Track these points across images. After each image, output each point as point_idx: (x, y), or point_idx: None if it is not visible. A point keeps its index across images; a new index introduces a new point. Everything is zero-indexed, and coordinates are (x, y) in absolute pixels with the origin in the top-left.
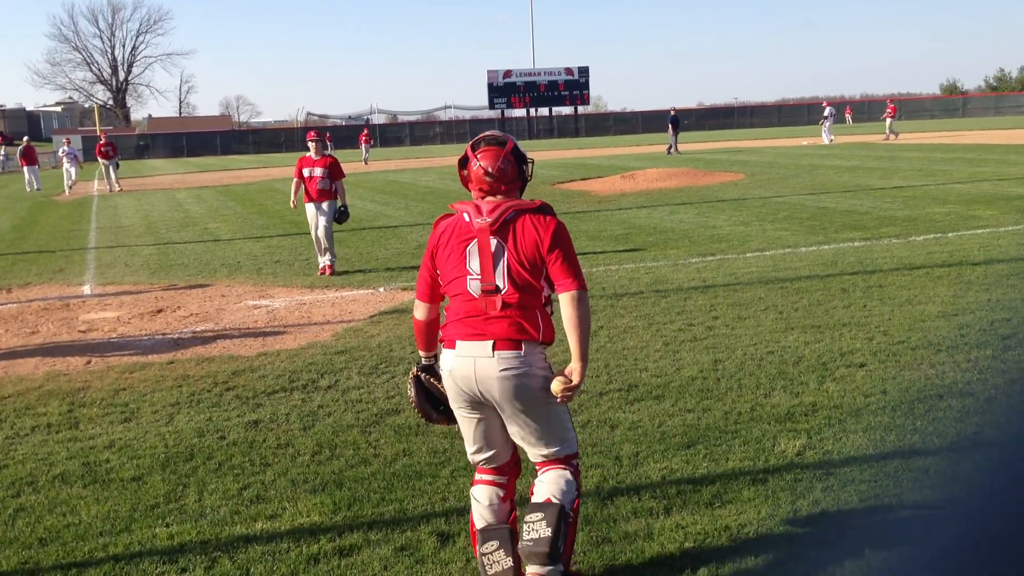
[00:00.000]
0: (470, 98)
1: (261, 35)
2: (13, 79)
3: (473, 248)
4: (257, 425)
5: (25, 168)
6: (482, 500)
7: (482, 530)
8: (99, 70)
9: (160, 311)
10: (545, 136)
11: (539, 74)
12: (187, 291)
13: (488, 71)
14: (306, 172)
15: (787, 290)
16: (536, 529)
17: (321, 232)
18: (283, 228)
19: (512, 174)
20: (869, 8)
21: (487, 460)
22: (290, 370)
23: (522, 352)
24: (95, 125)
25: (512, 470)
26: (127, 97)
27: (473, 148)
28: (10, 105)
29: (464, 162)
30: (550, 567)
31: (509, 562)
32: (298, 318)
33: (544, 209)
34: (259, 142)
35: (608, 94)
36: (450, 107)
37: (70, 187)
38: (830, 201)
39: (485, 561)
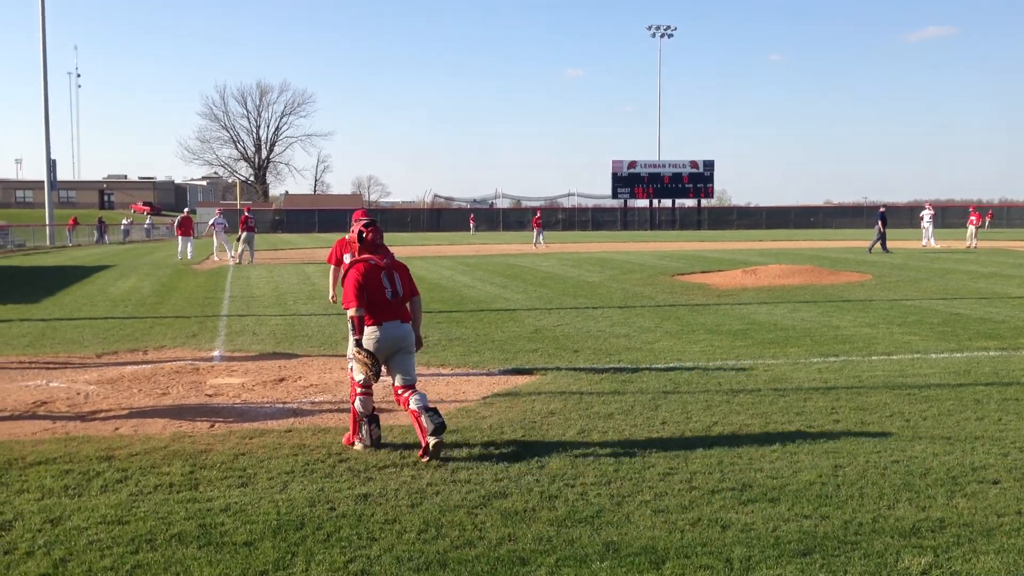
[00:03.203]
0: (593, 186)
1: (395, 119)
2: (165, 153)
3: (383, 276)
4: (367, 499)
5: (180, 238)
6: (367, 403)
7: (368, 416)
8: (244, 148)
9: (282, 380)
10: (667, 227)
11: (664, 166)
12: (308, 361)
13: (613, 161)
14: (348, 258)
15: (915, 397)
16: (435, 418)
17: None
18: None
19: (381, 240)
20: (1007, 112)
21: (367, 383)
22: (401, 446)
23: (409, 324)
24: (236, 199)
25: (373, 388)
26: (267, 174)
27: (365, 227)
28: (160, 178)
29: (360, 236)
30: (442, 434)
31: (379, 431)
32: None
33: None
34: (387, 221)
35: (732, 188)
36: (573, 195)
37: (229, 255)
38: (963, 307)
39: (372, 433)
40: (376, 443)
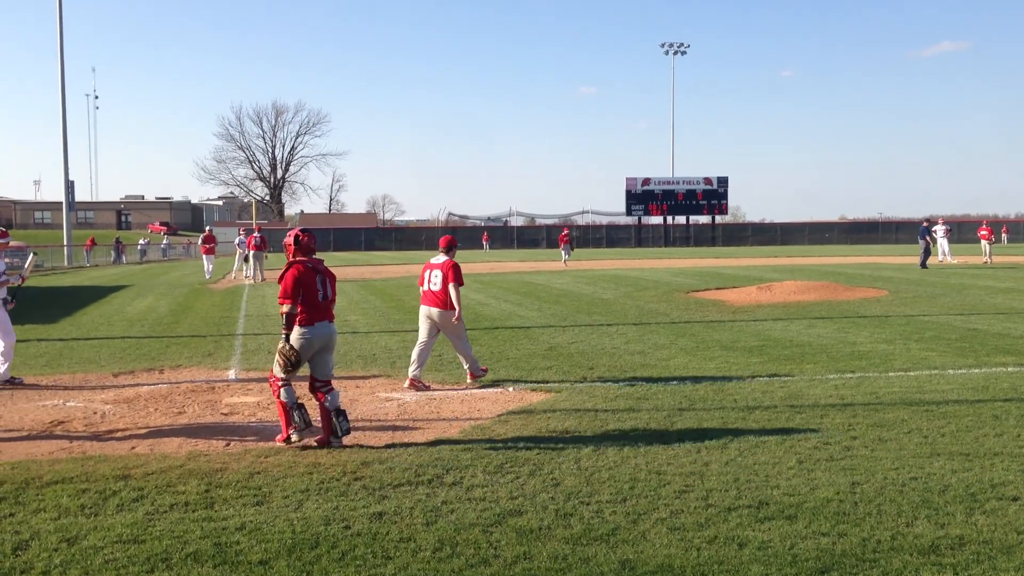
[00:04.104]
0: (607, 203)
1: (409, 138)
2: (182, 174)
3: (319, 279)
4: (381, 517)
5: (204, 256)
6: (291, 392)
7: (297, 405)
8: (259, 168)
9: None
10: (681, 244)
11: (678, 183)
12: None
13: (627, 178)
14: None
15: (933, 413)
16: (345, 424)
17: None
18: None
19: (315, 246)
20: (1023, 126)
21: (295, 375)
22: (417, 464)
23: (334, 324)
24: (252, 219)
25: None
26: (282, 193)
27: (303, 232)
28: (177, 198)
29: (297, 240)
30: (343, 437)
31: (308, 414)
32: (427, 413)
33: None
34: (401, 239)
35: (747, 204)
36: (587, 212)
37: (245, 274)
38: (981, 323)
39: (304, 416)
40: (309, 425)
